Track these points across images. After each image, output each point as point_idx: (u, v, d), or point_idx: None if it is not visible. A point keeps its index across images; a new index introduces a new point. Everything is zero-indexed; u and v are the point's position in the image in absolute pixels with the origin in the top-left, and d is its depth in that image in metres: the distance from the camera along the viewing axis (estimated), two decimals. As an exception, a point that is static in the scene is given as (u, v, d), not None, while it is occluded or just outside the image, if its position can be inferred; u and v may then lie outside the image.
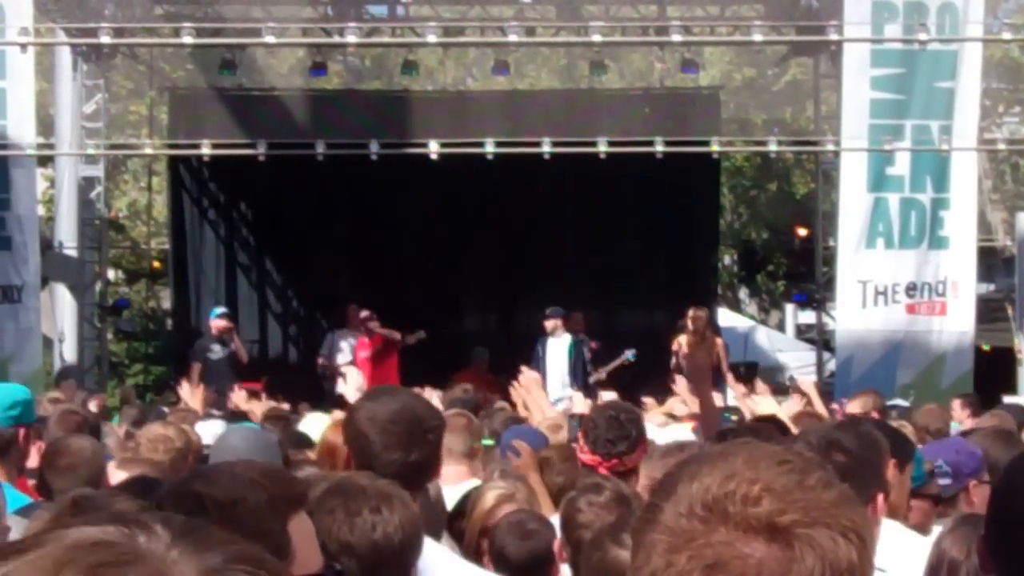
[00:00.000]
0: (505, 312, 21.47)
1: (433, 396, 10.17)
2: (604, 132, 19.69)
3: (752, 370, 19.29)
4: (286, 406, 13.08)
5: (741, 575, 1.49)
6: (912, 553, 4.24)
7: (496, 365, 19.10)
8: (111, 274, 25.23)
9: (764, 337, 27.14)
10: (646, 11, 21.69)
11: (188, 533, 1.23)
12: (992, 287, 26.84)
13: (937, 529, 5.16)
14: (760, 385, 10.47)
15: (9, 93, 18.10)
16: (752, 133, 28.03)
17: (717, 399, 12.98)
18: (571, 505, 4.83)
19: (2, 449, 5.36)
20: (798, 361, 24.40)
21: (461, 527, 5.32)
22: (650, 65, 24.68)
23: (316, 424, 8.68)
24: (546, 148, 19.13)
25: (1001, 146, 24.33)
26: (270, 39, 18.14)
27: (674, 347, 17.65)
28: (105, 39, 18.31)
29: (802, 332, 30.07)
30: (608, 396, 11.47)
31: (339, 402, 9.68)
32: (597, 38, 18.79)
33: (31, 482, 6.33)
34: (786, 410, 8.68)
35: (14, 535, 4.07)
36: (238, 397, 11.85)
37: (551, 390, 17.19)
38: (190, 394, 11.68)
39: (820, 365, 21.21)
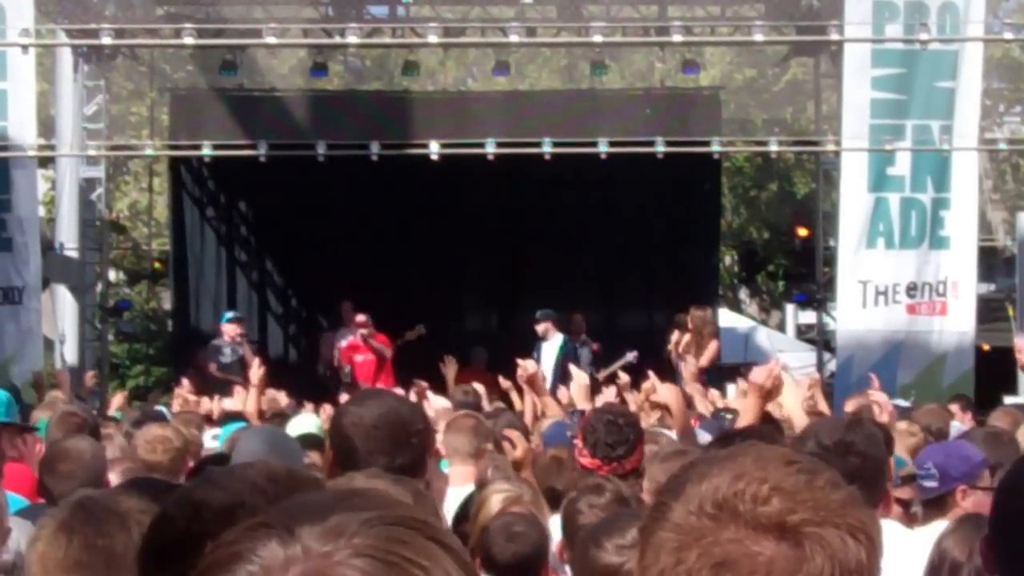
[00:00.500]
0: (505, 312, 21.47)
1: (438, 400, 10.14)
2: (605, 132, 19.68)
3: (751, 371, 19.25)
4: (283, 401, 13.08)
5: (751, 573, 1.50)
6: (906, 551, 4.26)
7: (496, 365, 19.11)
8: (112, 275, 25.25)
9: (764, 337, 27.12)
10: (647, 11, 21.69)
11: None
12: (993, 287, 26.85)
13: (923, 530, 5.20)
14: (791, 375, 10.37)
15: (10, 94, 18.09)
16: (753, 133, 28.03)
17: (715, 398, 13.02)
18: (572, 506, 4.83)
19: None
20: (799, 361, 24.34)
21: (465, 530, 5.32)
22: (651, 65, 24.68)
23: (304, 424, 8.67)
24: (547, 148, 19.12)
25: (1002, 146, 24.30)
26: (271, 40, 18.14)
27: (673, 338, 17.64)
28: (106, 40, 18.32)
29: (803, 332, 30.06)
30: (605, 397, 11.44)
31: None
32: (598, 38, 18.79)
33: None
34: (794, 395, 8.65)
35: (14, 536, 4.08)
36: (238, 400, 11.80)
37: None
38: (245, 398, 11.61)
39: (821, 365, 21.19)
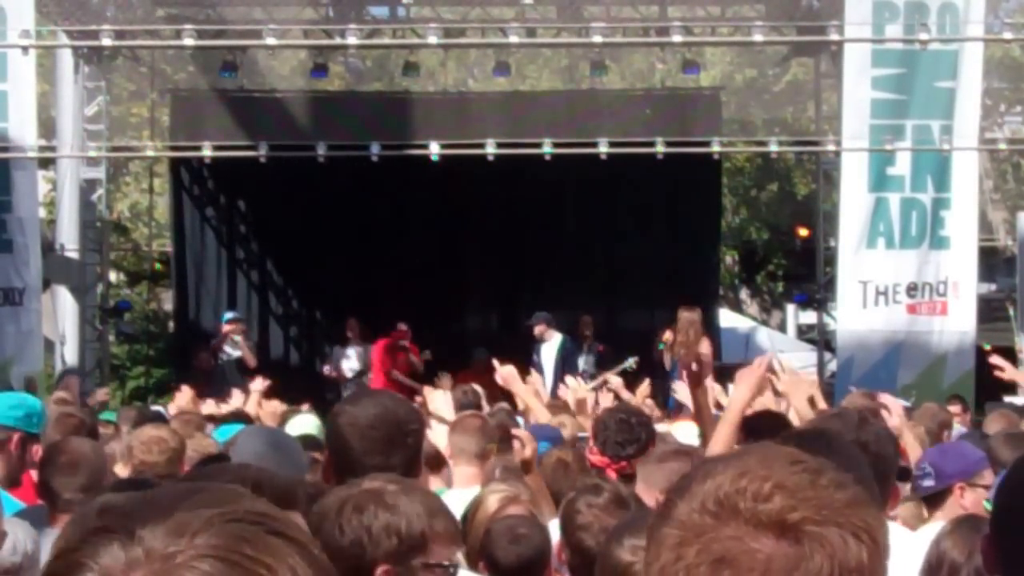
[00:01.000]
0: (506, 313, 21.48)
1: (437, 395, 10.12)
2: (605, 133, 19.69)
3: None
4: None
5: (749, 570, 1.50)
6: (903, 550, 4.27)
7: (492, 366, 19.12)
8: (112, 276, 25.25)
9: (765, 338, 27.11)
10: (647, 12, 21.68)
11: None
12: (993, 287, 26.86)
13: (923, 529, 5.21)
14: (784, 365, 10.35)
15: (10, 95, 18.10)
16: (753, 133, 28.02)
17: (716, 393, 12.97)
18: (570, 507, 4.82)
19: None
20: (799, 362, 24.28)
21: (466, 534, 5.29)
22: (651, 66, 24.69)
23: (303, 425, 8.66)
24: (547, 149, 19.12)
25: (1002, 146, 24.32)
26: (271, 41, 18.13)
27: (665, 337, 17.59)
28: (106, 41, 18.31)
29: (803, 332, 30.05)
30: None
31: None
32: (598, 39, 18.77)
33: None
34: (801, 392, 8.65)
35: (20, 538, 4.09)
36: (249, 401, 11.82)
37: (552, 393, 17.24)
38: (244, 401, 11.63)
39: (821, 366, 21.19)
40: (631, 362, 17.97)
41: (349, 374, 19.35)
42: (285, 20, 20.67)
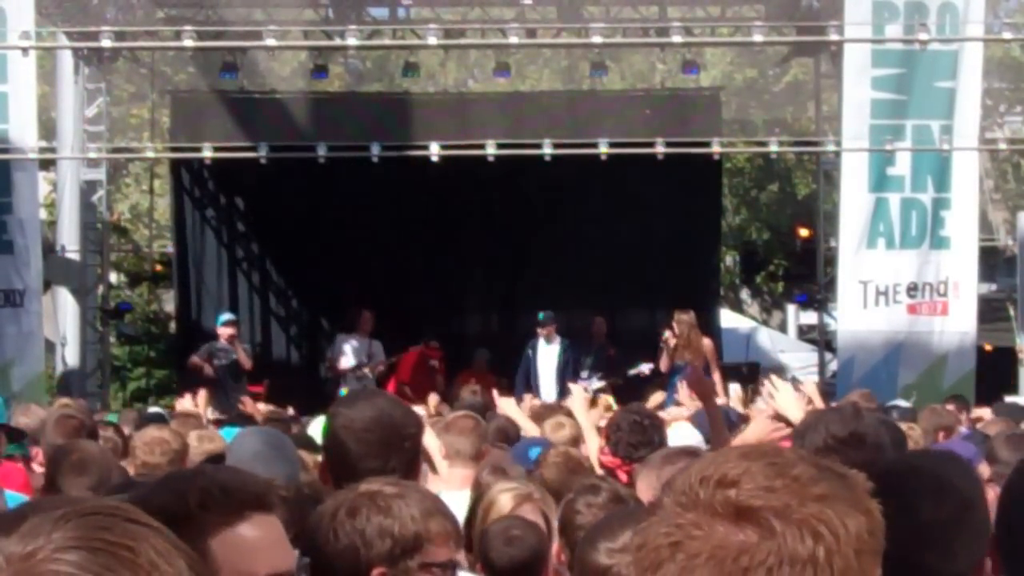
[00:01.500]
0: (506, 313, 21.48)
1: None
2: (605, 133, 19.70)
3: (754, 371, 19.30)
4: (290, 411, 13.11)
5: (696, 554, 1.53)
6: None
7: (498, 365, 19.16)
8: (113, 277, 25.25)
9: (766, 338, 27.13)
10: (647, 12, 21.68)
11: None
12: (994, 287, 26.84)
13: None
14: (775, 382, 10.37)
15: (11, 97, 18.11)
16: (753, 134, 28.03)
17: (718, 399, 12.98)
18: (569, 507, 4.81)
19: None
20: (800, 362, 24.40)
21: (470, 535, 5.28)
22: (651, 66, 24.67)
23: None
24: (547, 150, 19.14)
25: (1002, 146, 24.31)
26: (271, 42, 18.14)
27: (664, 338, 17.59)
28: (106, 43, 18.30)
29: (804, 333, 30.05)
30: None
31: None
32: (598, 39, 18.78)
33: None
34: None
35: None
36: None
37: (544, 394, 17.27)
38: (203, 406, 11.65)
39: (822, 366, 21.19)
40: (645, 368, 17.97)
41: (344, 366, 19.32)
42: (285, 21, 20.68)
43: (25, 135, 18.30)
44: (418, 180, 20.19)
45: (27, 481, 6.49)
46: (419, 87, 23.39)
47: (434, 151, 19.00)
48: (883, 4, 17.89)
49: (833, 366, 20.01)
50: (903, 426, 8.75)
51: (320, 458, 6.93)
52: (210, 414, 12.74)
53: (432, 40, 18.34)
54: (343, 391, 17.56)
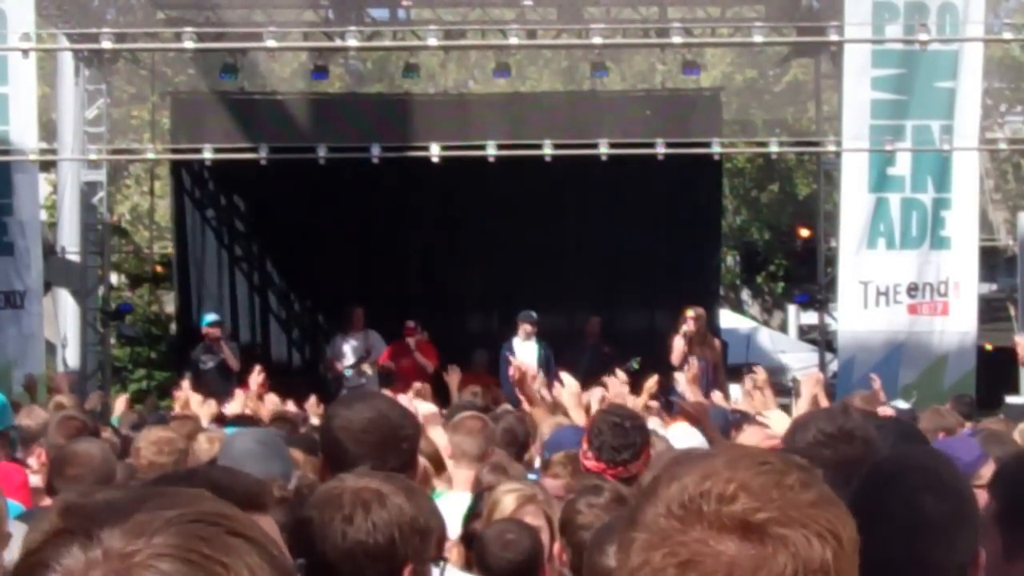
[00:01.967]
0: (507, 314, 21.42)
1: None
2: (605, 134, 19.69)
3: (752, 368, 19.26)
4: (292, 408, 13.09)
5: (713, 572, 1.51)
6: None
7: (498, 367, 19.12)
8: (114, 279, 25.23)
9: (766, 338, 27.12)
10: (647, 13, 21.67)
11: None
12: (994, 287, 26.85)
13: None
14: (760, 376, 10.39)
15: (11, 98, 18.10)
16: (753, 134, 28.01)
17: (720, 401, 12.99)
18: (571, 507, 4.81)
19: None
20: (800, 362, 24.38)
21: (473, 532, 5.26)
22: (651, 67, 24.67)
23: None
24: (547, 150, 19.13)
25: (1002, 146, 24.29)
26: (271, 43, 18.12)
27: (683, 327, 17.55)
28: (107, 44, 18.30)
29: (804, 333, 30.05)
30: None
31: None
32: (598, 40, 18.76)
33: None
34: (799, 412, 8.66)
35: (17, 540, 4.09)
36: (238, 403, 11.79)
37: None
38: (198, 403, 11.65)
39: (823, 366, 21.15)
40: (632, 363, 17.96)
41: (341, 367, 19.34)
42: (285, 22, 20.68)
43: (25, 136, 18.29)
44: (418, 181, 20.19)
45: (26, 481, 6.50)
46: (419, 88, 23.37)
47: (434, 152, 19.00)
48: (883, 4, 17.89)
49: (834, 366, 20.00)
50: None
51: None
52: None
53: (432, 41, 18.32)
54: (345, 391, 17.62)
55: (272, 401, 12.27)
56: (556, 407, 9.47)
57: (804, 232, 22.84)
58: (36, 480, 6.52)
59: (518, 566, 4.63)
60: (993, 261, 26.79)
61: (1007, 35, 18.77)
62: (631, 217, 21.10)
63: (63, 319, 20.78)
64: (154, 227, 25.97)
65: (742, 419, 9.33)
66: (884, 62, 18.17)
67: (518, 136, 19.79)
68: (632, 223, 21.09)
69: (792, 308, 31.29)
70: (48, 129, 22.18)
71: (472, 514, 5.33)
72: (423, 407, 9.86)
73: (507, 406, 11.61)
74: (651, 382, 11.43)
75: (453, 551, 4.75)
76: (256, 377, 11.89)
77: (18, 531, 4.27)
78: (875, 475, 3.02)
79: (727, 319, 24.72)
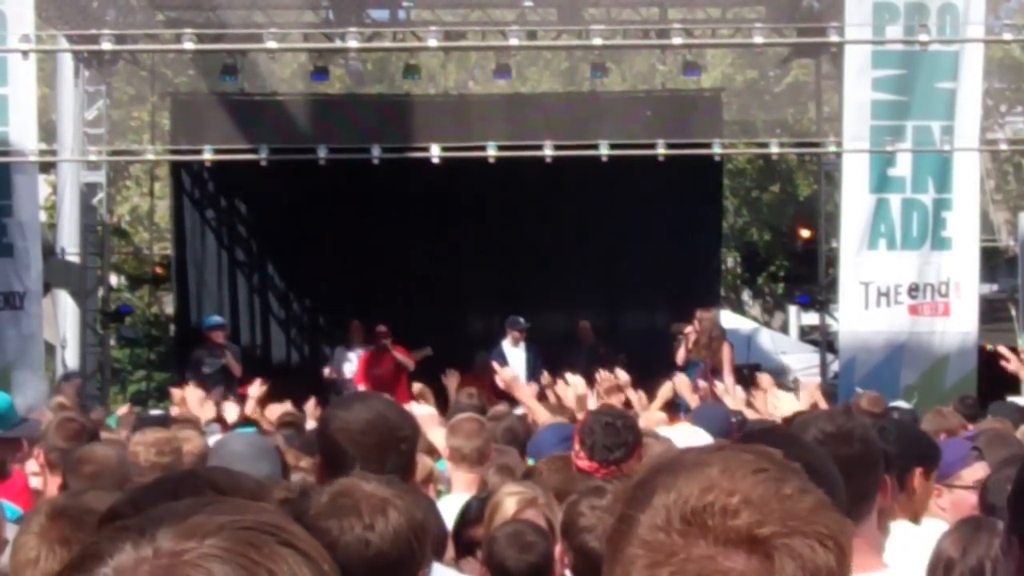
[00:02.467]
0: (507, 315, 21.40)
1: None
2: (606, 135, 19.67)
3: (755, 372, 19.26)
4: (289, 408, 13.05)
5: None
6: (917, 551, 4.30)
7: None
8: (113, 280, 25.23)
9: (767, 339, 27.08)
10: (647, 14, 21.67)
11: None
12: (995, 287, 26.81)
13: (925, 524, 5.27)
14: (765, 379, 10.42)
15: (11, 99, 18.07)
16: (754, 135, 27.98)
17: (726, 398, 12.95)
18: (573, 509, 4.79)
19: None
20: (801, 363, 24.36)
21: (470, 535, 5.23)
22: (652, 67, 24.63)
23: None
24: (548, 151, 19.10)
25: (1003, 146, 24.27)
26: (271, 44, 18.10)
27: (687, 331, 17.50)
28: (107, 45, 18.29)
29: (806, 334, 30.02)
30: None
31: None
32: (598, 41, 18.74)
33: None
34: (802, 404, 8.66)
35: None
36: (234, 412, 11.75)
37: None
38: (196, 403, 11.62)
39: (824, 367, 21.16)
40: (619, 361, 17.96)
41: (349, 375, 19.33)
42: (285, 23, 20.67)
43: (25, 138, 18.26)
44: (418, 182, 20.17)
45: (27, 485, 6.47)
46: (419, 89, 23.36)
47: (435, 153, 18.97)
48: (883, 5, 17.86)
49: (835, 367, 19.99)
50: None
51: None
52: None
53: (432, 42, 18.30)
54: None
55: (273, 412, 12.22)
56: (562, 408, 9.47)
57: (805, 233, 22.82)
58: (36, 482, 6.50)
59: (536, 567, 4.64)
60: (994, 262, 26.76)
61: (1007, 36, 18.74)
62: (632, 218, 21.09)
63: (63, 320, 20.75)
64: (154, 228, 25.95)
65: (743, 421, 9.31)
66: (884, 63, 18.15)
67: (518, 137, 19.76)
68: (633, 224, 21.08)
69: (793, 309, 31.28)
70: (48, 130, 22.15)
71: (468, 517, 5.32)
72: (420, 409, 9.83)
73: (503, 407, 11.56)
74: (666, 388, 11.37)
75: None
76: (256, 389, 11.84)
77: (12, 534, 4.25)
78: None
79: (728, 320, 24.67)
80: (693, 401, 11.04)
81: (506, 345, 18.77)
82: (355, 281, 20.97)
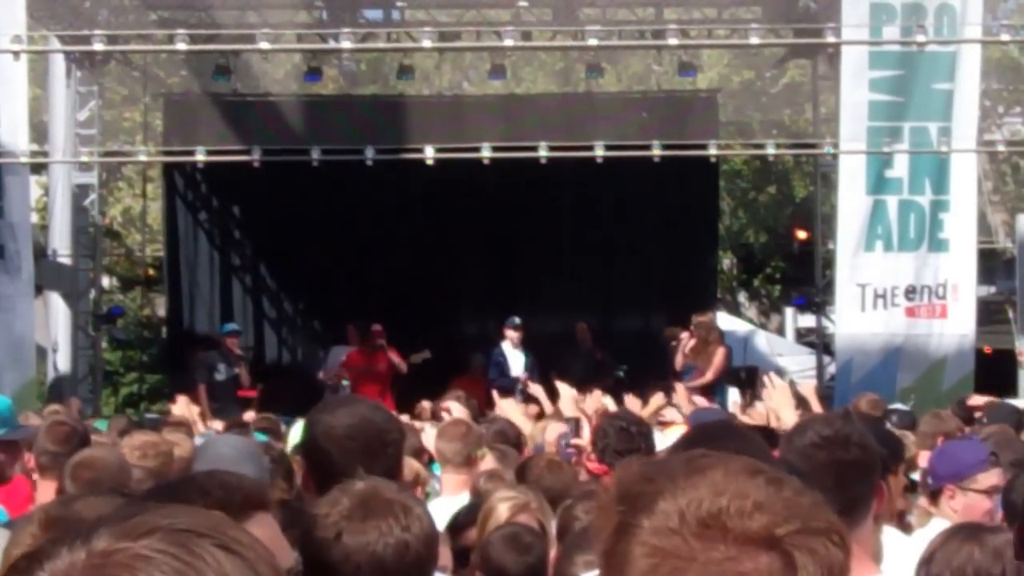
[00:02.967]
0: (502, 317, 21.32)
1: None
2: (601, 136, 19.59)
3: (752, 375, 19.18)
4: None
5: None
6: (904, 556, 4.29)
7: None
8: (105, 282, 25.12)
9: (764, 341, 27.02)
10: (643, 14, 21.60)
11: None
12: (993, 289, 26.77)
13: (919, 533, 5.23)
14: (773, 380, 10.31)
15: (2, 100, 18.00)
16: (750, 136, 27.95)
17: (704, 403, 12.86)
18: (568, 514, 4.75)
19: None
20: (798, 365, 24.29)
21: (463, 541, 5.20)
22: (647, 68, 24.55)
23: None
24: (543, 152, 19.01)
25: (1001, 147, 24.25)
26: (265, 45, 18.02)
27: (682, 336, 17.37)
28: (99, 46, 18.24)
29: (802, 336, 29.97)
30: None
31: None
32: (593, 42, 18.67)
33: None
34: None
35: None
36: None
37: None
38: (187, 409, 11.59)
39: (820, 369, 21.11)
40: (619, 371, 17.89)
41: (337, 381, 19.23)
42: (279, 24, 20.56)
43: (17, 139, 18.21)
44: (413, 183, 20.09)
45: (31, 494, 6.42)
46: (414, 89, 23.28)
47: (429, 154, 18.90)
48: (880, 6, 17.81)
49: (831, 369, 19.94)
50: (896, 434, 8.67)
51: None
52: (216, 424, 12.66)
53: (427, 43, 18.24)
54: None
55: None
56: (557, 415, 9.50)
57: (801, 234, 22.77)
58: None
59: (534, 569, 4.66)
60: (991, 263, 26.71)
61: (1005, 36, 18.69)
62: (627, 219, 21.03)
63: (54, 322, 20.65)
64: (146, 230, 25.87)
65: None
66: (882, 63, 18.10)
67: (513, 138, 19.69)
68: (628, 225, 21.01)
69: (789, 311, 31.20)
70: (39, 131, 22.07)
71: (459, 524, 5.30)
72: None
73: (501, 407, 11.45)
74: (659, 400, 11.31)
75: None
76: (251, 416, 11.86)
77: (3, 540, 4.19)
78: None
79: (724, 322, 24.59)
80: (690, 410, 10.97)
81: (506, 348, 18.65)
82: (348, 283, 20.89)
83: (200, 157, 19.59)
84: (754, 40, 18.68)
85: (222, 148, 19.85)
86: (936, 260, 18.14)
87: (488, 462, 7.19)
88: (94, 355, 21.28)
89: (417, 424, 11.41)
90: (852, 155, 18.31)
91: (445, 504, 6.16)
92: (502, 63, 21.09)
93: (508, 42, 18.77)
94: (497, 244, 21.21)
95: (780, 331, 32.00)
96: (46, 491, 5.83)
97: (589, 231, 21.19)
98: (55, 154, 20.65)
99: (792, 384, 11.80)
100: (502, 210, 20.98)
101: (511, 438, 8.55)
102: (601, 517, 1.59)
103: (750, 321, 31.32)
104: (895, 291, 18.12)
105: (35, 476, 6.41)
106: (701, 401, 12.70)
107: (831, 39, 18.29)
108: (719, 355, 17.20)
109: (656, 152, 19.25)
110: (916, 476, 7.02)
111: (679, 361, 17.21)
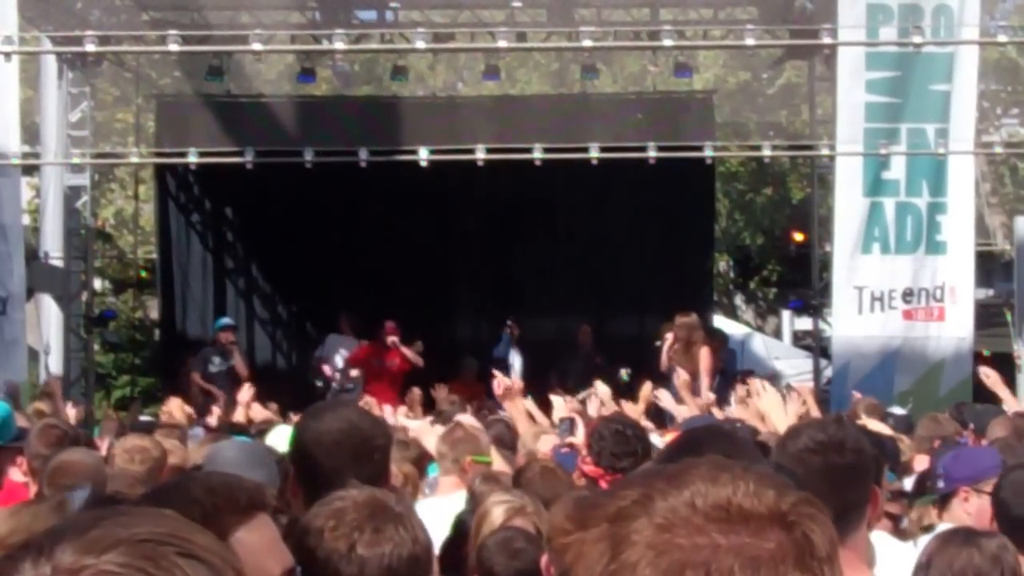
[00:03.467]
0: (496, 320, 21.26)
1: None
2: (596, 137, 19.47)
3: (748, 378, 19.08)
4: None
5: (781, 560, 1.48)
6: (898, 562, 4.31)
7: (487, 375, 18.90)
8: (97, 284, 25.02)
9: (760, 344, 26.97)
10: (638, 15, 21.54)
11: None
12: (991, 292, 26.72)
13: (920, 541, 5.22)
14: (755, 384, 10.23)
15: (-7, 102, 17.94)
16: (747, 137, 27.89)
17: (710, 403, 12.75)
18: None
19: None
20: (795, 368, 24.22)
21: (460, 547, 5.16)
22: (643, 69, 24.45)
23: (283, 437, 8.47)
24: (537, 154, 18.91)
25: (998, 149, 24.18)
26: (257, 46, 17.91)
27: (667, 336, 17.23)
28: (91, 47, 18.13)
29: (799, 339, 29.93)
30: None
31: None
32: (588, 43, 18.57)
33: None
34: (789, 411, 8.57)
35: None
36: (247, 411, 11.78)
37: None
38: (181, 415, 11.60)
39: (817, 372, 21.01)
40: (623, 374, 17.77)
41: (329, 371, 19.24)
42: (272, 24, 20.49)
43: (8, 140, 18.14)
44: (407, 185, 19.99)
45: (28, 499, 6.37)
46: (408, 91, 23.19)
47: (423, 156, 18.79)
48: (877, 6, 17.75)
49: (828, 372, 19.87)
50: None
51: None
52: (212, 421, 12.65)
53: (421, 44, 18.13)
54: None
55: (261, 413, 12.21)
56: (551, 428, 9.52)
57: (798, 237, 22.70)
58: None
59: (525, 574, 4.64)
60: (989, 266, 26.68)
61: (1002, 37, 18.59)
62: (623, 222, 20.97)
63: (46, 325, 20.56)
64: (139, 232, 25.77)
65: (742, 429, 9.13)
66: (878, 65, 18.04)
67: (508, 139, 19.60)
68: (624, 228, 20.95)
69: (786, 314, 31.16)
70: (31, 132, 21.98)
71: (463, 529, 5.28)
72: (413, 423, 9.85)
73: (498, 415, 11.43)
74: (647, 389, 11.30)
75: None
76: (246, 392, 11.93)
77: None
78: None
79: (720, 325, 24.52)
80: (678, 413, 10.89)
81: (512, 351, 18.62)
82: (341, 285, 20.82)
83: (193, 159, 19.48)
84: (750, 41, 18.56)
85: (215, 149, 19.74)
86: (934, 262, 18.09)
87: (498, 464, 7.22)
88: (86, 358, 21.21)
89: (410, 417, 11.40)
90: (849, 157, 18.25)
91: (440, 504, 6.22)
92: (496, 64, 20.98)
93: (502, 43, 18.69)
94: (491, 246, 21.15)
95: (777, 334, 31.95)
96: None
97: (583, 233, 21.13)
98: (47, 155, 20.58)
99: (789, 388, 11.72)
100: (496, 212, 20.92)
101: (508, 442, 8.58)
102: (584, 547, 1.56)
103: (747, 324, 31.27)
104: (892, 294, 18.07)
105: (27, 479, 6.41)
106: (699, 400, 12.62)
107: (827, 40, 18.19)
108: (704, 355, 16.98)
109: (652, 154, 19.14)
110: (909, 481, 6.96)
111: (663, 362, 17.02)
